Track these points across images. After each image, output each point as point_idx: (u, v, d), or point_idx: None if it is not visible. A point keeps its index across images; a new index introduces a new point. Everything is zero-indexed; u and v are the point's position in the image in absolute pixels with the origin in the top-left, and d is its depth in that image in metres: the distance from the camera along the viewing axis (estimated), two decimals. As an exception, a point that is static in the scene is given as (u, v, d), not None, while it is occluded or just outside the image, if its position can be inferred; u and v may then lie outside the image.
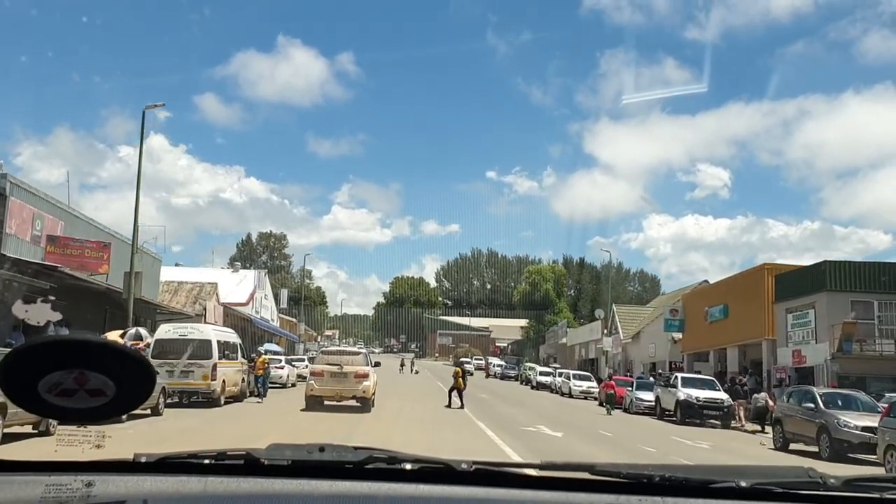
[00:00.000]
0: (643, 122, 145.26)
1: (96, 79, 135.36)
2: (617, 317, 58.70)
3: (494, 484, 2.14)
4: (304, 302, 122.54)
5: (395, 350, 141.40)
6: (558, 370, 58.62)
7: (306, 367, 49.86)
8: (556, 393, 55.61)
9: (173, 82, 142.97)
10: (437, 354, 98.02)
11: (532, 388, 61.67)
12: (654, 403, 36.02)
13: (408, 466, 2.22)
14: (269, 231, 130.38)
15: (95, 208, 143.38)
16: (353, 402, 24.56)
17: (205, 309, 49.80)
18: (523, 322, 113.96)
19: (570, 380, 51.85)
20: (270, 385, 35.91)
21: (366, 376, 24.47)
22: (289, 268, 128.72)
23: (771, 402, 32.21)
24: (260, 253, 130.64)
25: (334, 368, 24.19)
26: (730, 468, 2.53)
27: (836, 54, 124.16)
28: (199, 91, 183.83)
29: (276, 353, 57.47)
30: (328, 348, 32.06)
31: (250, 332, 60.30)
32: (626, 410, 39.14)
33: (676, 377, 33.75)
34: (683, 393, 32.08)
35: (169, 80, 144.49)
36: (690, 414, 31.77)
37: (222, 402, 25.52)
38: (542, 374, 61.94)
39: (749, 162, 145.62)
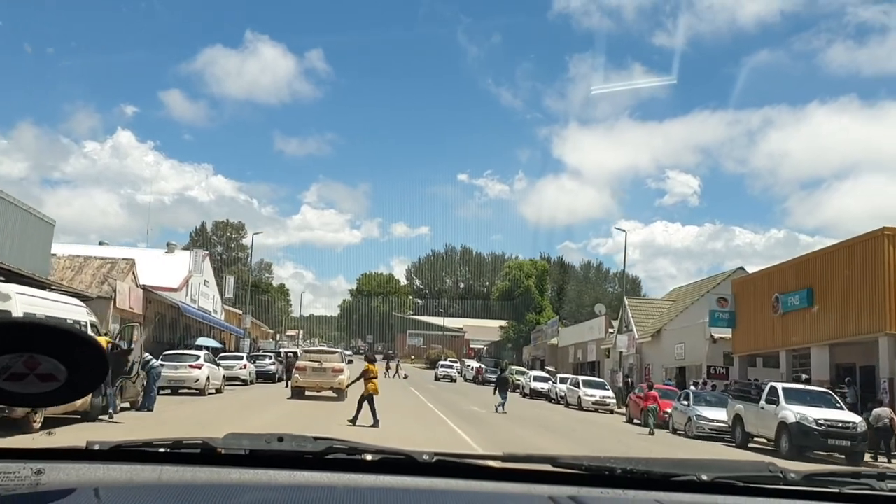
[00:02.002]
0: (612, 128, 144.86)
1: (61, 72, 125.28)
2: (629, 311, 47.49)
3: (456, 475, 2.11)
4: (262, 296, 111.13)
5: (361, 351, 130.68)
6: (559, 376, 47.31)
7: (244, 367, 38.63)
8: (557, 402, 44.53)
9: (140, 77, 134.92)
10: (412, 357, 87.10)
11: (523, 396, 50.60)
12: (728, 425, 24.93)
13: (368, 457, 2.19)
14: (226, 220, 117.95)
15: (58, 204, 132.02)
16: (330, 393, 28.02)
17: (115, 290, 37.86)
18: (501, 322, 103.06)
19: (578, 387, 40.59)
20: (185, 391, 28.08)
21: (341, 371, 28.05)
22: (246, 260, 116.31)
23: (897, 421, 21.68)
24: (215, 243, 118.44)
25: (315, 364, 28.24)
26: (692, 462, 2.38)
27: (802, 65, 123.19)
28: (166, 86, 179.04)
29: (215, 349, 46.18)
30: (310, 348, 38.91)
31: (182, 323, 48.35)
32: (674, 431, 28.03)
33: (775, 388, 22.53)
34: (793, 412, 20.88)
35: (136, 75, 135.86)
36: (806, 444, 20.65)
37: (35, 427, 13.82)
38: (536, 379, 50.67)
39: (716, 170, 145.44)
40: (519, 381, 56.29)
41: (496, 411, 30.26)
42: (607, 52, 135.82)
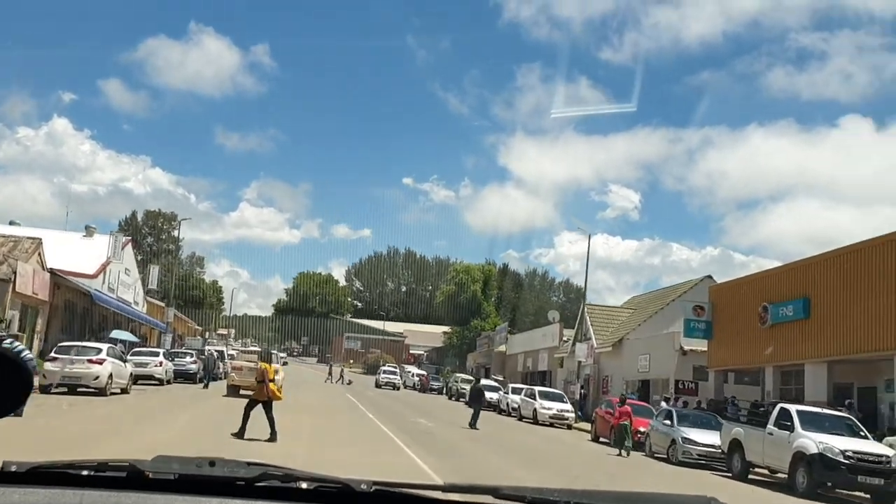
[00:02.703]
0: (557, 139, 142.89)
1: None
2: (589, 319, 43.99)
3: None
4: (192, 291, 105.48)
5: (295, 353, 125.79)
6: (512, 385, 43.60)
7: (160, 365, 34.02)
8: (508, 414, 40.84)
9: (79, 65, 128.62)
10: (351, 361, 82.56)
11: (469, 406, 46.81)
12: (722, 451, 21.44)
13: (303, 485, 2.14)
14: (158, 210, 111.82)
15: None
16: None
17: (15, 273, 32.97)
18: (443, 328, 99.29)
19: (534, 399, 36.90)
20: (83, 389, 23.67)
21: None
22: (177, 253, 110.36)
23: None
24: (146, 234, 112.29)
25: (251, 364, 28.29)
26: (635, 495, 2.48)
27: (743, 87, 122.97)
28: (106, 75, 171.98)
29: (132, 343, 41.59)
30: (247, 349, 37.73)
31: (96, 313, 43.37)
32: (651, 454, 24.49)
33: (787, 411, 18.99)
34: (814, 441, 17.35)
35: (75, 63, 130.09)
36: (831, 480, 17.16)
37: None
38: (485, 388, 46.75)
39: (656, 186, 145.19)
40: (465, 389, 52.51)
41: (471, 427, 26.67)
42: (555, 64, 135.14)
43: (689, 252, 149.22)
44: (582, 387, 43.52)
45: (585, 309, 45.22)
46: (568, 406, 36.38)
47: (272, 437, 15.53)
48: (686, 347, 34.74)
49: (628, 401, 26.92)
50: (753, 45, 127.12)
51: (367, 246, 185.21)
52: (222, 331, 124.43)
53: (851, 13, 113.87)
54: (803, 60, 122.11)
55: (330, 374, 61.93)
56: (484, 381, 48.57)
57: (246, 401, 16.89)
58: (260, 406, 16.14)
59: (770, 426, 19.07)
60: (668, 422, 23.75)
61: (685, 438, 22.44)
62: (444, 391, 60.08)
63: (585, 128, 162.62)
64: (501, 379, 53.31)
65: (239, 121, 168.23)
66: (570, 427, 35.41)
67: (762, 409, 22.44)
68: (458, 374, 58.04)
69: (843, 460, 16.81)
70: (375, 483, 2.11)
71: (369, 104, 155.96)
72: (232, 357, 39.68)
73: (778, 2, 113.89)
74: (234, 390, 29.53)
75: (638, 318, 42.86)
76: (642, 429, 25.45)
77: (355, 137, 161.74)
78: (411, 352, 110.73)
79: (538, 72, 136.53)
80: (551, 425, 35.64)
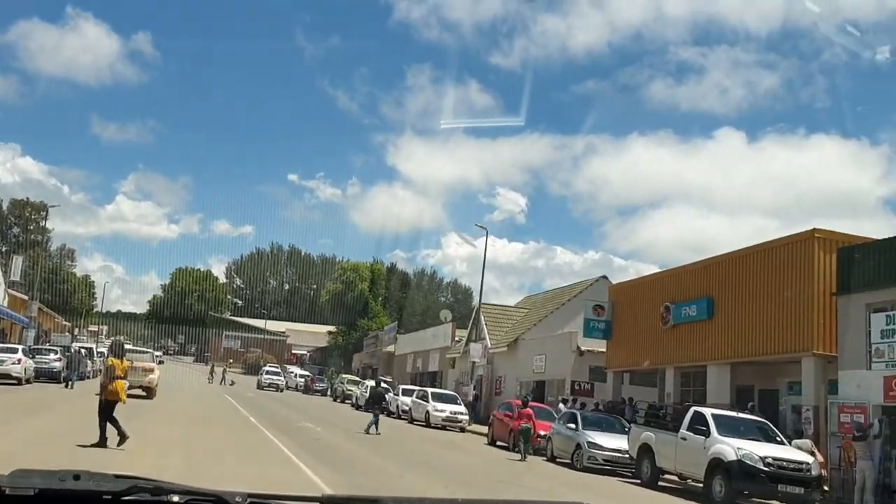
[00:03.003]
0: (446, 141, 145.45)
1: None
2: (483, 318, 42.84)
3: None
4: (61, 285, 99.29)
5: (171, 352, 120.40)
6: (402, 387, 41.97)
7: (18, 362, 30.76)
8: (398, 417, 39.21)
9: None
10: (230, 361, 78.99)
11: (356, 408, 44.93)
12: (630, 457, 20.45)
13: (175, 498, 2.09)
14: (26, 199, 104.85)
15: None
16: (139, 391, 27.67)
17: None
18: (327, 328, 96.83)
19: (427, 401, 35.40)
20: None
21: (151, 370, 28.97)
22: (46, 244, 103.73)
23: (820, 458, 18.05)
24: (11, 224, 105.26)
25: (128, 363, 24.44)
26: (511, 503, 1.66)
27: (626, 97, 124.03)
28: None
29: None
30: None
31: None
32: (553, 458, 23.38)
33: (702, 415, 18.08)
34: (732, 447, 16.45)
35: None
36: (750, 488, 16.30)
37: None
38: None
39: (542, 190, 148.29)
40: (352, 391, 50.58)
41: (367, 432, 25.12)
42: (445, 66, 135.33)
43: (572, 255, 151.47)
44: (475, 388, 42.38)
45: (480, 308, 44.07)
46: (462, 408, 35.06)
47: (122, 439, 13.52)
48: (583, 348, 34.02)
49: (531, 403, 25.84)
50: (636, 57, 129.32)
51: (248, 243, 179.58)
52: (94, 328, 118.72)
53: (729, 30, 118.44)
54: (683, 74, 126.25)
55: (212, 374, 58.78)
56: (371, 383, 46.93)
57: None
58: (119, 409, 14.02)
59: (683, 430, 18.14)
60: (572, 425, 22.64)
61: (591, 443, 21.35)
62: (330, 393, 57.99)
63: (475, 131, 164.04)
64: (390, 380, 51.60)
65: (117, 111, 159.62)
66: (463, 430, 34.12)
67: (662, 411, 21.68)
68: (344, 376, 56.01)
69: (762, 467, 15.99)
70: (250, 495, 2.11)
71: (255, 98, 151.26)
72: (89, 353, 39.70)
73: (660, 16, 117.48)
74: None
75: (533, 318, 42.02)
76: (543, 432, 24.33)
77: (239, 132, 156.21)
78: (294, 352, 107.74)
79: (428, 73, 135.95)
80: (444, 428, 34.27)
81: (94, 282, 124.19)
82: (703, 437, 17.32)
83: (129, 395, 29.36)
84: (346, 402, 50.57)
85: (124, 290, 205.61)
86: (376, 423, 25.79)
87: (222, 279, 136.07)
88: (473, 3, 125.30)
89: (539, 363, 37.07)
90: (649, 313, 28.26)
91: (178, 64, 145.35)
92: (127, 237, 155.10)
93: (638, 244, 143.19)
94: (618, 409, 28.95)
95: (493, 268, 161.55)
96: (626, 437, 21.49)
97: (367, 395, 30.17)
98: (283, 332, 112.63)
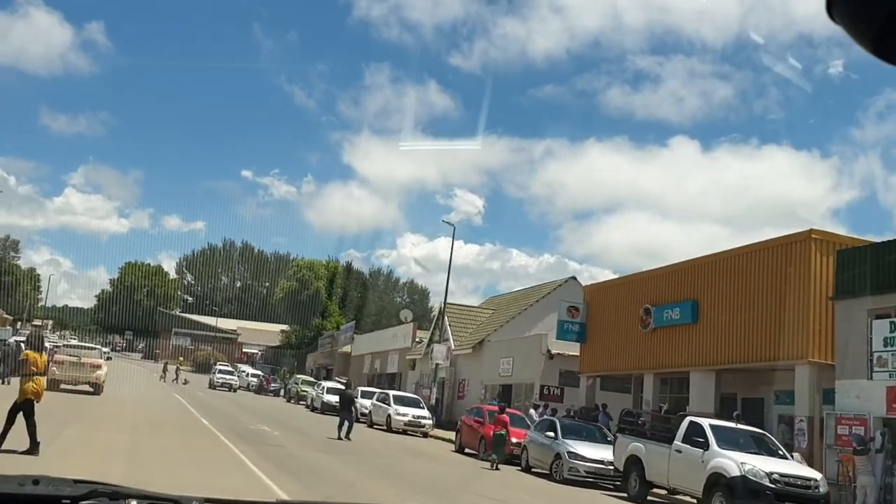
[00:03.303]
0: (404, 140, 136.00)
1: None
2: (447, 319, 41.19)
3: None
4: (3, 277, 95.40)
5: (119, 349, 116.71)
6: (361, 389, 40.13)
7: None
8: (357, 420, 37.39)
9: None
10: (181, 358, 76.14)
11: (312, 410, 43.05)
12: (614, 469, 19.00)
13: (133, 503, 2.08)
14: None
15: None
16: (87, 387, 29.12)
17: None
18: (280, 326, 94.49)
19: (388, 404, 33.68)
20: None
21: (99, 367, 29.41)
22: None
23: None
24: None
25: (73, 359, 29.26)
26: None
27: (583, 103, 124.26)
28: None
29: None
30: (69, 343, 39.71)
31: None
32: (528, 468, 21.87)
33: (699, 425, 16.68)
34: (734, 462, 15.07)
35: None
36: (754, 506, 14.91)
37: None
38: (330, 391, 43.09)
39: (499, 192, 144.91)
40: (306, 392, 48.62)
41: (339, 438, 23.90)
42: (404, 65, 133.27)
43: (527, 258, 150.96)
44: (436, 391, 40.74)
45: (445, 308, 42.47)
46: (425, 412, 33.39)
47: (32, 450, 11.70)
48: (553, 351, 32.61)
49: (509, 410, 24.29)
50: (594, 64, 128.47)
51: (200, 239, 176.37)
52: (38, 321, 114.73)
53: (685, 40, 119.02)
54: (639, 82, 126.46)
55: (164, 372, 56.13)
56: (328, 384, 45.01)
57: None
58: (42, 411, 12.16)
59: (678, 442, 16.73)
60: (550, 433, 21.14)
61: (572, 453, 19.88)
62: (283, 394, 55.95)
63: (433, 131, 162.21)
64: (346, 381, 49.72)
65: (67, 101, 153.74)
66: (426, 435, 32.47)
67: (641, 418, 20.34)
68: (298, 376, 53.97)
69: (768, 484, 14.65)
70: (207, 500, 2.17)
71: (210, 92, 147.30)
72: (50, 350, 37.02)
73: (618, 25, 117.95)
74: (54, 385, 27.84)
75: (499, 320, 40.55)
76: (515, 440, 22.79)
77: (193, 126, 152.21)
78: (245, 350, 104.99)
79: (387, 72, 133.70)
80: (405, 433, 32.62)
81: (39, 275, 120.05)
82: (701, 450, 15.93)
83: (76, 391, 28.02)
84: (301, 403, 48.65)
85: (71, 284, 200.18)
86: (350, 428, 24.19)
87: (173, 275, 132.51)
88: (434, 4, 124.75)
89: (506, 366, 35.58)
90: (627, 316, 26.93)
91: (132, 55, 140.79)
92: (75, 230, 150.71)
93: (593, 248, 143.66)
94: (591, 415, 27.60)
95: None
96: (609, 447, 20.09)
97: (339, 399, 28.36)
98: (235, 331, 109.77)
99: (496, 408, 26.25)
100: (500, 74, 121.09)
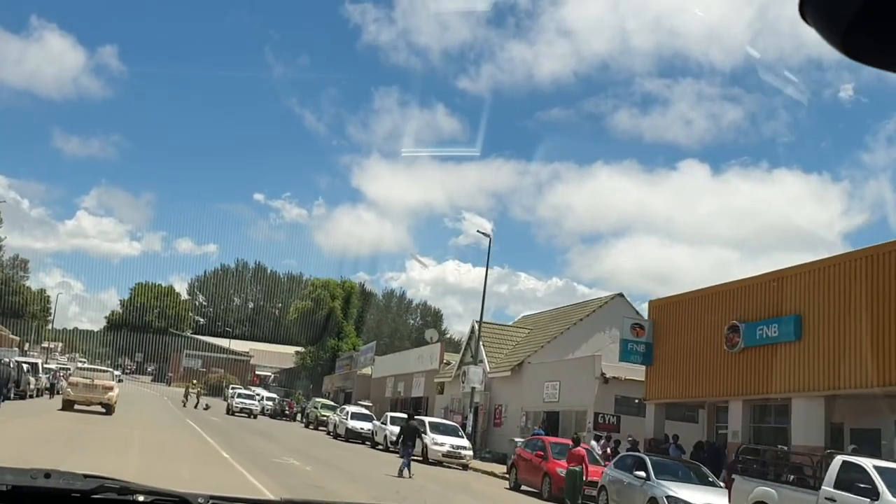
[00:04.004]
0: (412, 164, 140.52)
1: None
2: (480, 340, 37.40)
3: None
4: (12, 297, 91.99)
5: (128, 371, 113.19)
6: (389, 415, 36.38)
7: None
8: (386, 449, 33.68)
9: None
10: (194, 381, 72.02)
11: (335, 437, 39.30)
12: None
13: (140, 498, 2.12)
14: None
15: None
16: (99, 407, 29.95)
17: None
18: (294, 348, 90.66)
19: (425, 433, 29.89)
20: None
21: (111, 388, 30.39)
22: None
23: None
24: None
25: (87, 381, 30.30)
26: None
27: (591, 126, 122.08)
28: None
29: None
30: (83, 366, 42.45)
31: None
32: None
33: (862, 468, 12.87)
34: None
35: None
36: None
37: None
38: (355, 416, 39.32)
39: (506, 216, 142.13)
40: (326, 416, 44.85)
41: (400, 475, 20.54)
42: (412, 89, 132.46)
43: (535, 282, 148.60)
44: (465, 418, 36.91)
45: (476, 328, 38.76)
46: (465, 442, 29.56)
47: None
48: (608, 374, 28.86)
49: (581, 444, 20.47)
50: (601, 87, 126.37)
51: (212, 262, 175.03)
52: (48, 344, 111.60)
53: (694, 63, 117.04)
54: (647, 105, 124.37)
55: (186, 397, 51.56)
56: (352, 408, 41.17)
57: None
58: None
59: (829, 488, 12.95)
60: (640, 473, 17.30)
61: (673, 498, 16.03)
62: (301, 418, 52.19)
63: (440, 154, 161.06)
64: (369, 404, 45.98)
65: (80, 124, 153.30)
66: (465, 467, 28.66)
67: (764, 455, 16.60)
68: (318, 400, 50.17)
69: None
70: (212, 497, 2.18)
71: (222, 115, 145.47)
72: (54, 371, 40.82)
73: (626, 48, 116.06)
74: (69, 404, 30.03)
75: (538, 339, 36.81)
76: (595, 480, 19.03)
77: (205, 150, 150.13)
78: (257, 372, 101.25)
79: (396, 96, 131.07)
80: (441, 464, 28.87)
81: (49, 296, 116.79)
82: (868, 500, 12.17)
83: (88, 411, 29.11)
84: (320, 428, 44.89)
85: (82, 307, 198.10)
86: (409, 464, 20.68)
87: (184, 295, 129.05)
88: (441, 29, 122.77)
89: (551, 391, 31.75)
90: (706, 334, 23.17)
91: (145, 79, 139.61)
92: (87, 253, 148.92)
93: (601, 272, 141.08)
94: (661, 448, 23.82)
95: (458, 292, 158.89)
96: (715, 490, 16.35)
97: (400, 430, 24.44)
98: (247, 352, 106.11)
99: (562, 439, 22.66)
100: (506, 98, 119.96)
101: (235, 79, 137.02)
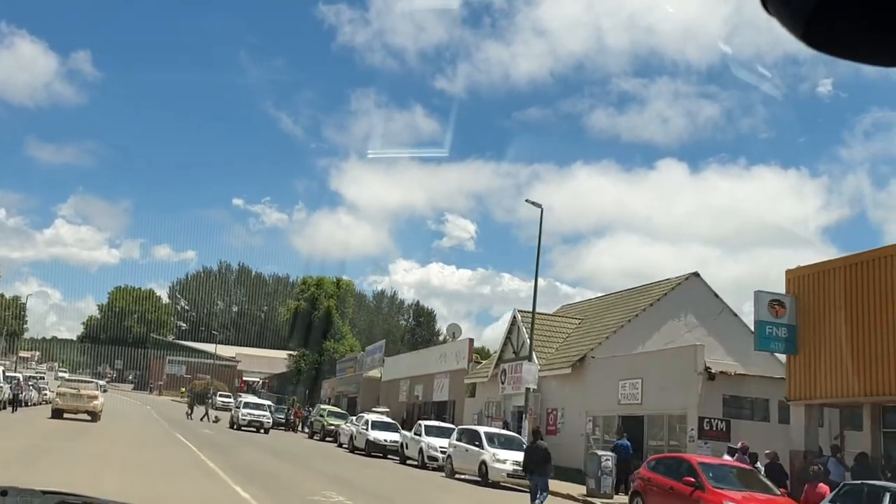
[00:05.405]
0: (392, 166, 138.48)
1: None
2: (525, 330, 30.77)
3: None
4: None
5: (108, 379, 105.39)
6: (424, 424, 29.70)
7: None
8: (423, 466, 27.09)
9: None
10: (182, 389, 64.10)
11: (352, 451, 32.62)
12: None
13: None
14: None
15: None
16: (85, 416, 31.02)
17: None
18: (284, 352, 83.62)
19: (481, 446, 23.27)
20: None
21: (96, 397, 31.90)
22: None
23: None
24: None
25: (74, 391, 31.93)
26: None
27: (568, 126, 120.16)
28: None
29: None
30: (69, 377, 46.76)
31: None
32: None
33: None
34: None
35: None
36: None
37: None
38: (376, 426, 32.51)
39: (488, 217, 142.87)
40: (334, 426, 38.12)
41: None
42: (389, 90, 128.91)
43: (519, 282, 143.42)
44: (505, 424, 30.37)
45: (519, 317, 32.15)
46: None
47: None
48: (713, 370, 22.43)
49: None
50: (578, 87, 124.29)
51: (191, 269, 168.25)
52: (25, 353, 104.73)
53: (669, 62, 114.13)
54: (624, 104, 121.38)
55: (191, 409, 45.30)
56: (372, 417, 34.23)
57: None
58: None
59: None
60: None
61: None
62: (304, 428, 45.44)
63: (407, 155, 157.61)
64: (386, 410, 39.30)
65: (54, 132, 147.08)
66: (527, 489, 22.04)
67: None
68: (323, 407, 43.36)
69: None
70: None
71: (198, 120, 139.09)
72: (17, 380, 39.42)
73: (602, 46, 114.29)
74: (58, 413, 31.11)
75: (597, 330, 30.32)
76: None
77: (182, 155, 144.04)
78: (245, 378, 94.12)
79: (372, 97, 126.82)
80: (497, 485, 22.38)
81: (24, 304, 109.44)
82: None
83: (74, 419, 30.37)
84: (328, 439, 38.12)
85: (60, 316, 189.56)
86: (544, 497, 14.28)
87: (165, 299, 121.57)
88: (417, 29, 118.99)
89: (630, 391, 25.21)
90: (877, 312, 16.79)
91: (119, 84, 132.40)
92: (65, 262, 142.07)
93: (583, 272, 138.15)
94: (816, 464, 17.39)
95: (441, 294, 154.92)
96: None
97: (526, 452, 17.64)
98: (233, 357, 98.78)
99: (710, 458, 16.23)
100: (483, 98, 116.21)
101: (211, 83, 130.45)
